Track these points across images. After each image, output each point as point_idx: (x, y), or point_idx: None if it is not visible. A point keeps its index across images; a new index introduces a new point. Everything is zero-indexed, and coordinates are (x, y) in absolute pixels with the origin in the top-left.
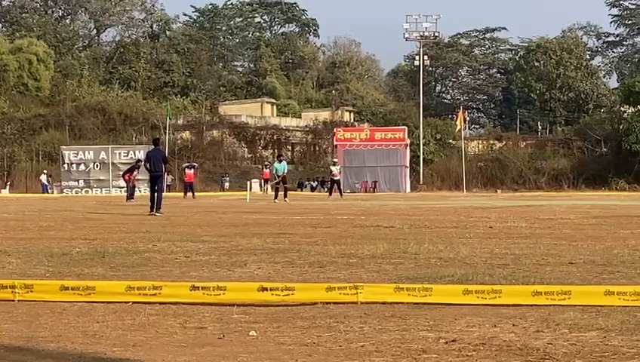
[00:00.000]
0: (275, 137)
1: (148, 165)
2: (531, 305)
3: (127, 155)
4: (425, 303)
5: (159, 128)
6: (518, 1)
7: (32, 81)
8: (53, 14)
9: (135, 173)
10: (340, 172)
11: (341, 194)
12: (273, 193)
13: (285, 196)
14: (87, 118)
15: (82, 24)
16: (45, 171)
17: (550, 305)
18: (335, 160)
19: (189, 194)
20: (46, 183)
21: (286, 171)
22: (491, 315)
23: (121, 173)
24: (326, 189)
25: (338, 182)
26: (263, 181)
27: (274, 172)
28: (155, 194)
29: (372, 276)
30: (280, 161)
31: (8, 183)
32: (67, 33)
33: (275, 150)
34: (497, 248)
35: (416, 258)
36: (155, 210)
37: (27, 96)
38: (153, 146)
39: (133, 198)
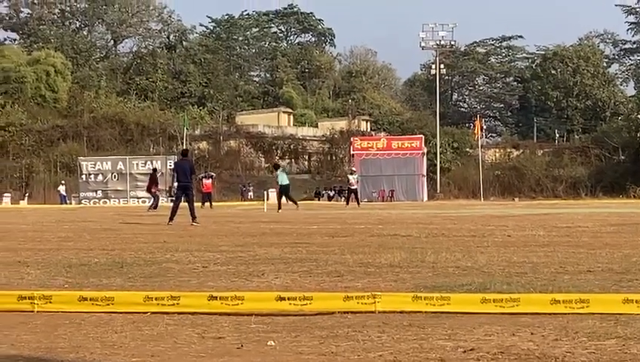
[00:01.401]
0: (291, 147)
1: (176, 176)
2: (550, 314)
3: (145, 166)
4: (443, 312)
5: (176, 138)
6: (534, 10)
7: (50, 93)
8: (70, 26)
9: (159, 183)
10: (358, 181)
11: (358, 204)
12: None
13: (293, 203)
14: (105, 129)
15: (99, 35)
16: (63, 182)
17: (568, 314)
18: (353, 169)
19: (207, 204)
20: (64, 194)
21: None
22: (509, 324)
23: (146, 187)
24: (343, 199)
25: (355, 191)
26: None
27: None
28: (187, 204)
29: (390, 285)
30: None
31: (27, 194)
32: (84, 44)
33: (292, 159)
34: (515, 256)
35: (434, 267)
36: (192, 219)
37: (45, 107)
38: (181, 157)
39: (156, 209)
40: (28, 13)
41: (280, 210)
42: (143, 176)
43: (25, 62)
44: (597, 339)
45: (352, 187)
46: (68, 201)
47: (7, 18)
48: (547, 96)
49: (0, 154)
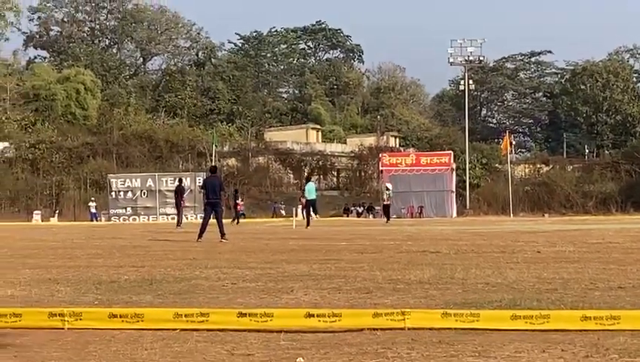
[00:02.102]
0: (320, 163)
1: (205, 192)
2: (580, 331)
3: (174, 182)
4: (472, 329)
5: (205, 155)
6: (563, 25)
7: (80, 110)
8: (100, 44)
9: (185, 196)
10: (390, 197)
11: (387, 220)
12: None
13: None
14: (134, 146)
15: (129, 53)
16: (93, 199)
17: (599, 330)
18: (387, 185)
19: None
20: (94, 211)
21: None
22: (540, 341)
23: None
24: (372, 215)
25: (386, 206)
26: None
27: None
28: (216, 221)
29: (419, 302)
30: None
31: (57, 211)
32: (114, 62)
33: (321, 176)
34: (545, 273)
35: (464, 283)
36: (221, 236)
37: (75, 124)
38: (210, 174)
39: (179, 225)
40: (58, 32)
41: (308, 227)
42: (172, 193)
43: (55, 80)
44: (628, 356)
45: (385, 203)
46: (98, 218)
47: (38, 36)
48: (577, 111)
49: (30, 172)
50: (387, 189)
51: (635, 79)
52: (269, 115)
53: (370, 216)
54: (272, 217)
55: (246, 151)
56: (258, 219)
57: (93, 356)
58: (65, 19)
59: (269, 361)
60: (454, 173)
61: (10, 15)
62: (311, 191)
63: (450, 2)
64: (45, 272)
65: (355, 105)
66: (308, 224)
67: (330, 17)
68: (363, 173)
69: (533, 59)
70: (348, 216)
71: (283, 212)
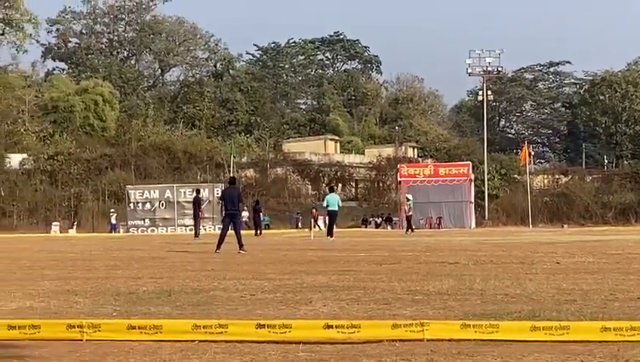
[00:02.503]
0: (338, 174)
1: (223, 204)
2: (600, 342)
3: (192, 194)
4: (492, 340)
5: (223, 166)
6: (581, 35)
7: (98, 122)
8: (118, 55)
9: (203, 207)
10: (410, 208)
11: (407, 231)
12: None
13: (328, 234)
14: (153, 158)
15: (147, 64)
16: (113, 210)
17: (619, 341)
18: (408, 196)
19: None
20: (114, 222)
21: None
22: (559, 352)
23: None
24: (390, 227)
25: (409, 217)
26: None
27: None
28: (235, 232)
29: (438, 313)
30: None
31: (75, 223)
32: (132, 74)
33: (339, 187)
34: (565, 283)
35: (483, 294)
36: (239, 247)
37: (93, 136)
38: (229, 185)
39: (197, 236)
40: (76, 43)
41: (331, 238)
42: (190, 204)
43: (73, 91)
44: None
45: (407, 214)
46: (117, 230)
47: (56, 48)
48: (596, 121)
49: (49, 183)
50: (408, 200)
51: None
52: (287, 126)
53: (389, 226)
54: (297, 228)
55: (264, 162)
56: (276, 230)
57: None
58: (83, 31)
59: None
60: (473, 183)
61: (28, 27)
62: (332, 201)
63: (468, 13)
64: (64, 284)
65: (374, 115)
66: (330, 234)
67: (348, 28)
68: (381, 184)
69: (551, 70)
70: (366, 227)
71: (300, 224)
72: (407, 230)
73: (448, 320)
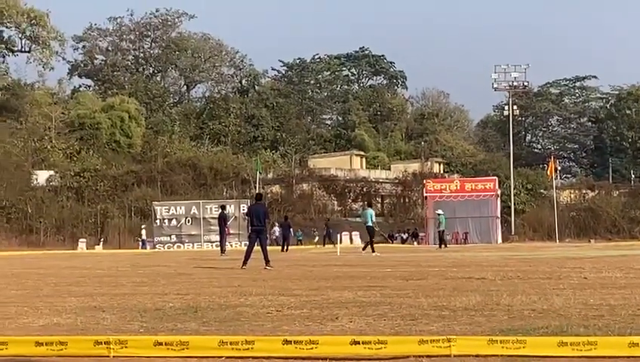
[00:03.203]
0: (364, 190)
1: (250, 220)
2: (628, 357)
3: (218, 210)
4: (519, 356)
5: (249, 182)
6: (607, 49)
7: (124, 138)
8: (144, 72)
9: (229, 223)
10: (441, 223)
11: (439, 246)
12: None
13: (367, 247)
14: (178, 174)
15: (172, 81)
16: (144, 226)
17: None
18: (439, 211)
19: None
20: (145, 238)
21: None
22: None
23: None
24: (416, 242)
25: (440, 233)
26: (324, 236)
27: (372, 219)
28: (261, 248)
29: (465, 328)
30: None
31: (102, 239)
32: (158, 90)
33: (365, 202)
34: (592, 299)
35: (510, 309)
36: (265, 263)
37: (119, 152)
38: (255, 201)
39: (223, 253)
40: (102, 60)
41: (376, 253)
42: (216, 220)
43: (99, 108)
44: None
45: (439, 229)
46: (146, 246)
47: (82, 65)
48: (622, 136)
49: (75, 200)
50: (438, 215)
51: None
52: (312, 141)
53: (415, 242)
54: (326, 243)
55: (290, 178)
56: (303, 246)
57: None
58: (109, 48)
59: None
60: (499, 198)
61: (55, 44)
62: (368, 218)
63: (493, 28)
64: (91, 300)
65: (399, 131)
66: (370, 247)
67: (373, 44)
68: (407, 200)
69: (577, 84)
70: (392, 243)
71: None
72: (440, 245)
73: (475, 335)
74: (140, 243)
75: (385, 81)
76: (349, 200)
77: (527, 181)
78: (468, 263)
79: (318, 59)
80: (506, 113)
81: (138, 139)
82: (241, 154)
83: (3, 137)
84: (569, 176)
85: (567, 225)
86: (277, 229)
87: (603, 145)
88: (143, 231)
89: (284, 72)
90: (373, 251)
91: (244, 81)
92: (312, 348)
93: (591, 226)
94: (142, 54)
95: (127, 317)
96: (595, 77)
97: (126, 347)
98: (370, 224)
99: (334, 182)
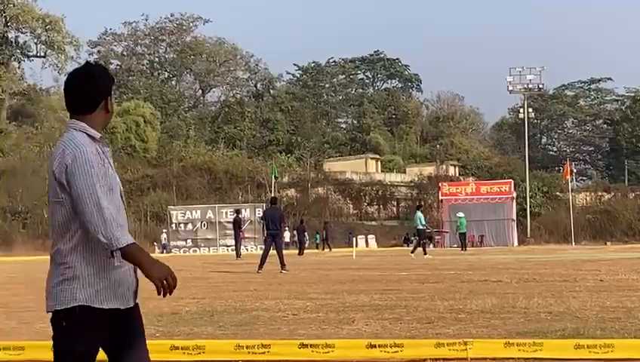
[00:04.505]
0: (379, 193)
1: (265, 224)
2: None
3: (234, 214)
4: (536, 358)
5: (265, 186)
6: (623, 51)
7: (140, 143)
8: (159, 76)
9: (243, 227)
10: (459, 226)
11: (462, 248)
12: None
13: (416, 250)
14: (194, 178)
15: (187, 85)
16: (165, 230)
17: None
18: (460, 214)
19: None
20: (165, 242)
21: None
22: None
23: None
24: (432, 245)
25: (462, 235)
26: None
27: (422, 222)
28: (277, 252)
29: (481, 331)
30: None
31: None
32: (173, 95)
33: (380, 206)
34: (608, 301)
35: (526, 312)
36: (281, 267)
37: (135, 157)
38: (270, 205)
39: (239, 257)
40: (117, 65)
41: (427, 255)
42: (231, 224)
43: (115, 112)
44: None
45: (460, 231)
46: (168, 250)
47: None
48: (638, 138)
49: None
50: (459, 217)
51: None
52: (327, 145)
53: (431, 245)
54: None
55: (305, 181)
56: (315, 250)
57: None
58: (124, 53)
59: None
60: (515, 201)
61: (70, 49)
62: (418, 221)
63: (509, 30)
64: None
65: (414, 134)
66: (421, 248)
67: (388, 47)
68: (423, 203)
69: (593, 86)
70: (408, 246)
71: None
72: (462, 247)
73: (492, 338)
74: (161, 247)
75: (400, 85)
76: (365, 204)
77: (543, 183)
78: (484, 266)
79: (333, 63)
80: (521, 116)
81: (153, 144)
82: (257, 158)
83: (19, 142)
84: (585, 178)
85: (583, 227)
86: (286, 234)
87: (619, 148)
88: (164, 236)
89: (299, 76)
90: (425, 253)
91: (259, 85)
92: (328, 352)
93: (607, 229)
94: (157, 59)
95: (144, 321)
96: (610, 79)
97: None
98: (420, 227)
99: (350, 185)
